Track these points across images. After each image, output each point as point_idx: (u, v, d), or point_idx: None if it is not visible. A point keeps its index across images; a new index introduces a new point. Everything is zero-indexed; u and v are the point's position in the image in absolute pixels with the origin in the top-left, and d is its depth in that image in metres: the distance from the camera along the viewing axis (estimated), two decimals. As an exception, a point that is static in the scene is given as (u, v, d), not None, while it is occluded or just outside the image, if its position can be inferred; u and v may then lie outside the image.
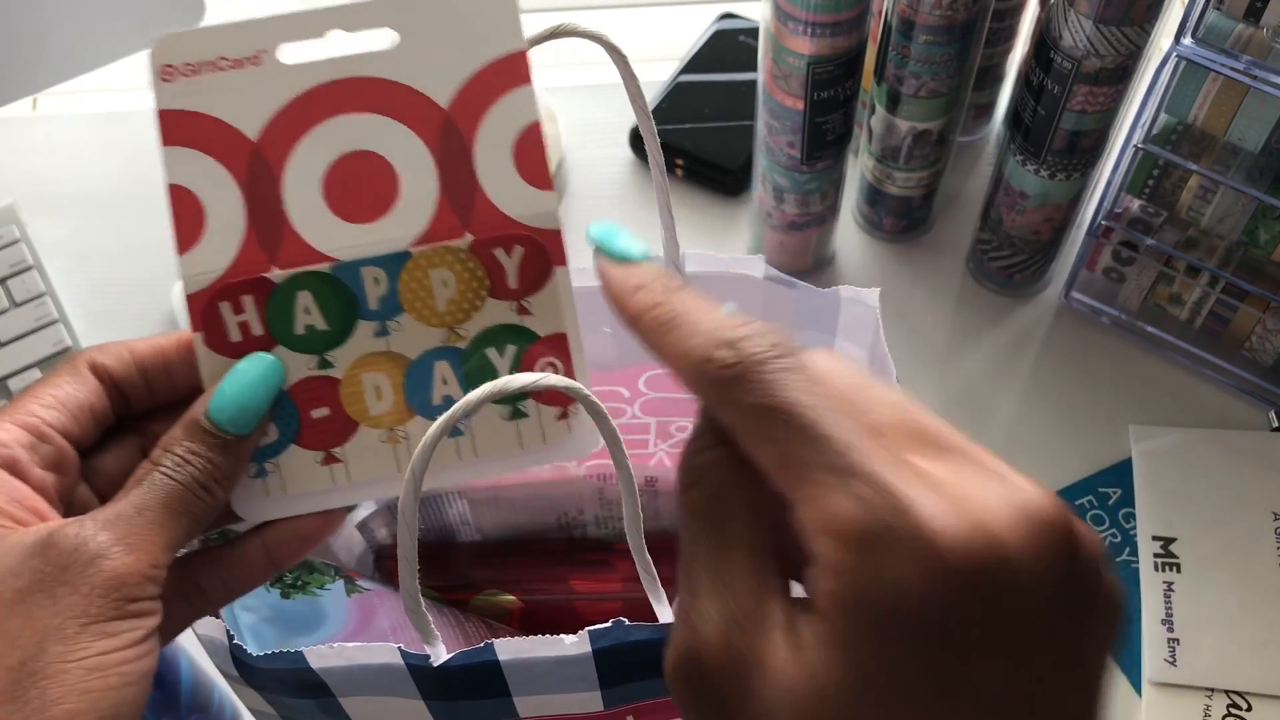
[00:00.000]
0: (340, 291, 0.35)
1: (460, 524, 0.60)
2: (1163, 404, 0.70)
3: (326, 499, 0.35)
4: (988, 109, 0.81)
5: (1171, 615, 0.62)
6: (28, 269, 0.74)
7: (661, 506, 0.57)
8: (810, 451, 0.24)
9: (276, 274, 0.35)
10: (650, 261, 0.32)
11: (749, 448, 0.26)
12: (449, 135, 0.35)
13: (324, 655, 0.37)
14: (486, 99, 0.35)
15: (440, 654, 0.37)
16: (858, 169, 0.76)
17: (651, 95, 0.82)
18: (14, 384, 0.71)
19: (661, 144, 0.41)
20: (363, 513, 0.59)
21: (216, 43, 0.35)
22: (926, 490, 0.23)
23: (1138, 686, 0.60)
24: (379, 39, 0.34)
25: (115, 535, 0.30)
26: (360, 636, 0.49)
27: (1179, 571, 0.63)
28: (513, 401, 0.35)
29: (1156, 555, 0.64)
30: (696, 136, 0.79)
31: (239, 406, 0.33)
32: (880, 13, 0.65)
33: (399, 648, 0.37)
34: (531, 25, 0.36)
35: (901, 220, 0.76)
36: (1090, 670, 0.24)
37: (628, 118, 0.82)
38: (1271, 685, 0.59)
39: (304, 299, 0.35)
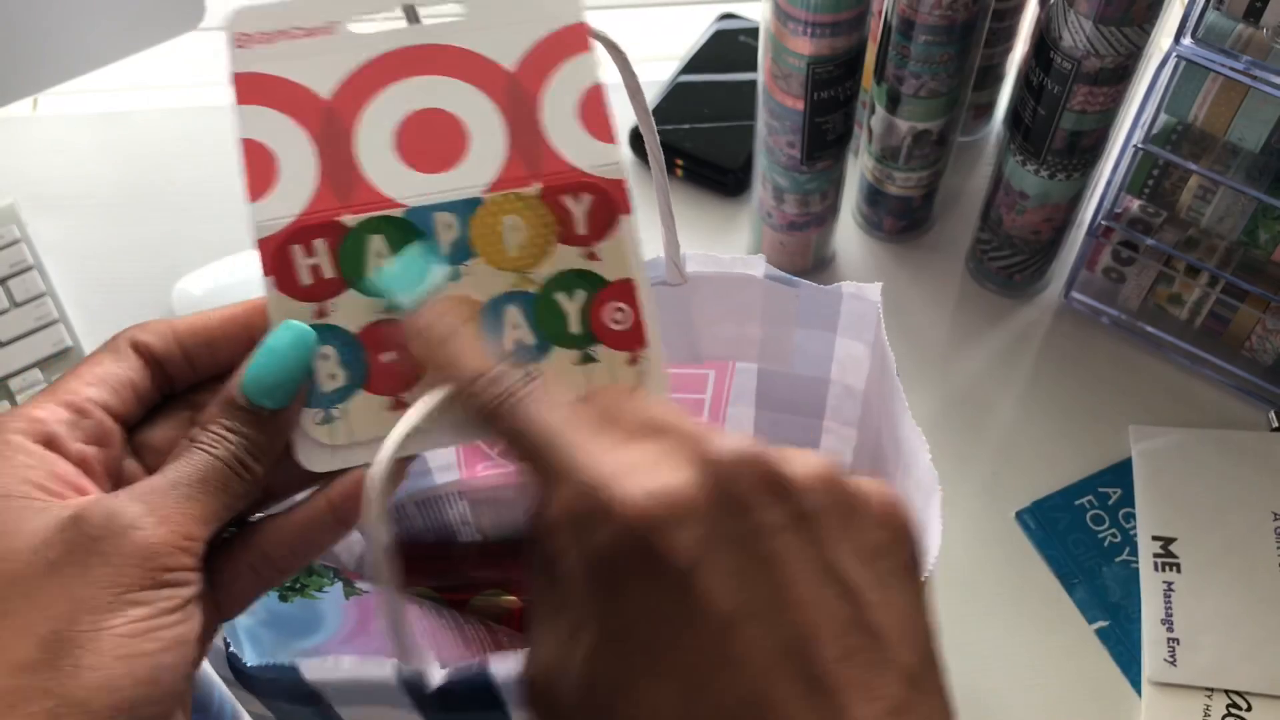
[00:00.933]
0: (413, 236, 0.36)
1: (460, 524, 0.60)
2: (1163, 404, 0.70)
3: (394, 448, 0.33)
4: (988, 109, 0.81)
5: (1171, 615, 0.62)
6: (28, 269, 0.74)
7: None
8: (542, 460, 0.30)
9: (349, 218, 0.35)
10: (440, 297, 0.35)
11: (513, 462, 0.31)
12: (515, 94, 0.37)
13: (319, 668, 0.37)
14: (550, 63, 0.37)
15: (434, 677, 0.37)
16: (858, 169, 0.76)
17: (651, 95, 0.82)
18: (14, 384, 0.71)
19: (661, 144, 0.41)
20: (363, 512, 0.59)
21: (291, 15, 0.36)
22: (618, 472, 0.28)
23: (1137, 686, 0.60)
24: (446, 13, 0.37)
25: (147, 508, 0.31)
26: (358, 640, 0.49)
27: (1179, 571, 0.63)
28: (583, 347, 0.36)
29: (1156, 555, 0.64)
30: (696, 136, 0.79)
31: (273, 380, 0.33)
32: (880, 13, 0.65)
33: (395, 664, 0.37)
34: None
35: (901, 220, 0.76)
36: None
37: (627, 117, 0.82)
38: (1271, 685, 0.59)
39: (376, 242, 0.35)
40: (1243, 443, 0.68)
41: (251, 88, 0.36)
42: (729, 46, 0.84)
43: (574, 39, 0.37)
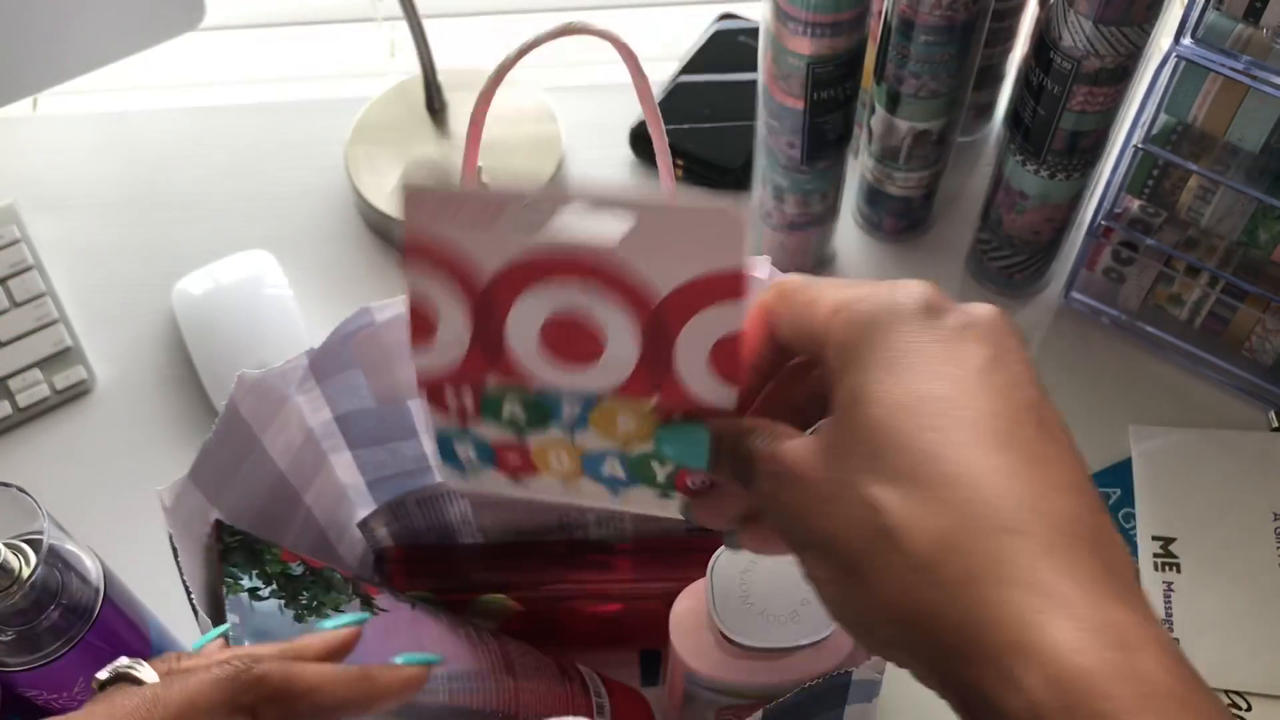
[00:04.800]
0: (541, 406, 0.41)
1: (461, 524, 0.60)
2: (1163, 404, 0.70)
3: (510, 491, 0.43)
4: (988, 109, 0.81)
5: (1171, 615, 0.62)
6: (28, 269, 0.74)
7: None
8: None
9: (491, 382, 0.40)
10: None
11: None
12: (657, 323, 0.39)
13: None
14: (699, 304, 0.38)
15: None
16: (858, 169, 0.76)
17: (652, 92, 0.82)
18: (14, 384, 0.71)
19: (662, 144, 0.41)
20: (362, 512, 0.59)
21: (466, 203, 0.38)
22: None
23: (1138, 686, 0.60)
24: (615, 224, 0.37)
25: None
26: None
27: (1179, 571, 0.63)
28: (664, 490, 0.42)
29: (1156, 555, 0.64)
30: (696, 136, 0.79)
31: None
32: (880, 13, 0.65)
33: None
34: (538, 24, 0.36)
35: (901, 220, 0.76)
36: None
37: (628, 118, 0.82)
38: (1271, 685, 0.59)
39: (511, 403, 0.41)
40: (1243, 443, 0.68)
41: (423, 250, 0.38)
42: (729, 46, 0.84)
43: (729, 284, 0.37)
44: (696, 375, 0.39)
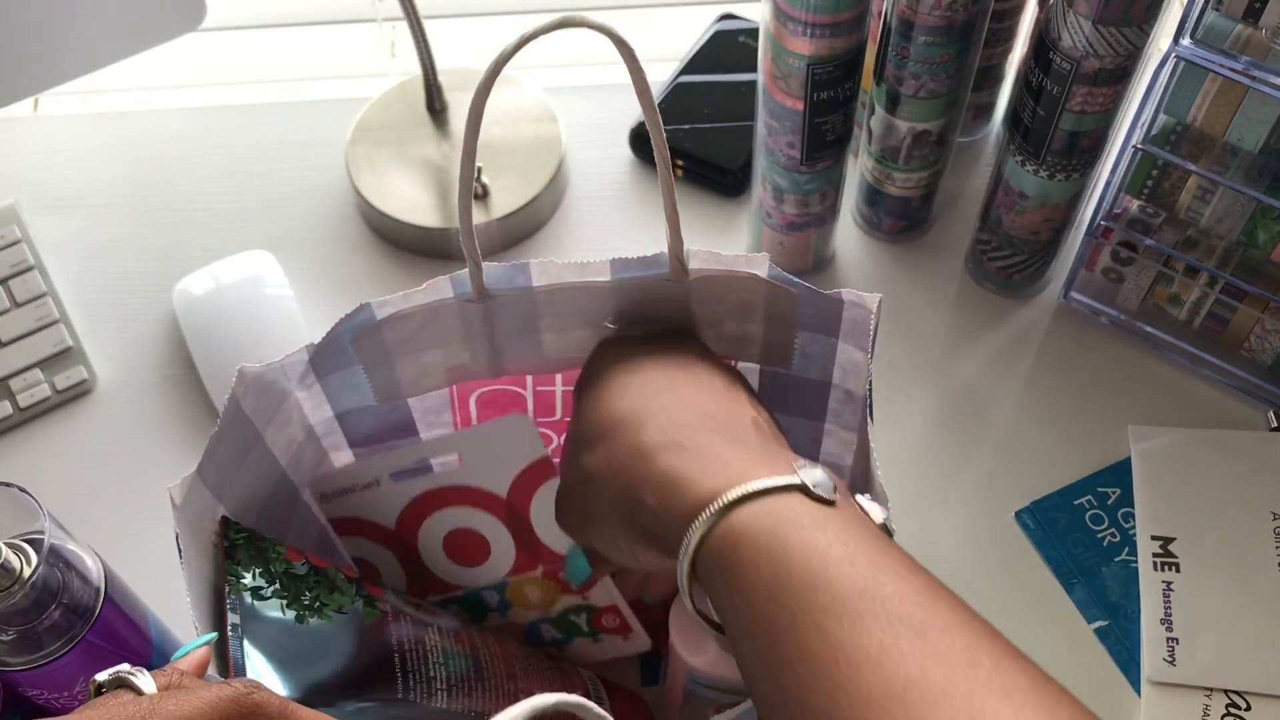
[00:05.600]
0: (473, 603, 0.58)
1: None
2: (1162, 404, 0.70)
3: None
4: (987, 109, 0.81)
5: (1170, 615, 0.62)
6: (29, 269, 0.75)
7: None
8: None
9: (433, 599, 0.57)
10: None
11: None
12: (512, 512, 0.55)
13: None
14: (531, 487, 0.54)
15: None
16: (857, 169, 0.76)
17: (651, 91, 0.82)
18: (14, 384, 0.71)
19: (662, 144, 0.41)
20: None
21: (344, 479, 0.54)
22: None
23: (1136, 686, 0.61)
24: (452, 460, 0.54)
25: None
26: (370, 673, 0.49)
27: (1178, 571, 0.63)
28: (593, 637, 0.58)
29: (1155, 555, 0.64)
30: (696, 137, 0.79)
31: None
32: (880, 13, 0.65)
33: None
34: (533, 22, 0.36)
35: (901, 221, 0.76)
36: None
37: (628, 118, 0.82)
38: (1270, 684, 0.59)
39: (454, 607, 0.57)
40: (1242, 443, 0.68)
41: (345, 526, 0.55)
42: (729, 47, 0.84)
43: (544, 468, 0.53)
44: (555, 536, 0.54)
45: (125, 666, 0.37)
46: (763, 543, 0.37)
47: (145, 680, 0.37)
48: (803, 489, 0.39)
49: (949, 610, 0.36)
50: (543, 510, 0.54)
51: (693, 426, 0.43)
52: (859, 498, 0.41)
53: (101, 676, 0.37)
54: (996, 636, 0.36)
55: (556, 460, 0.53)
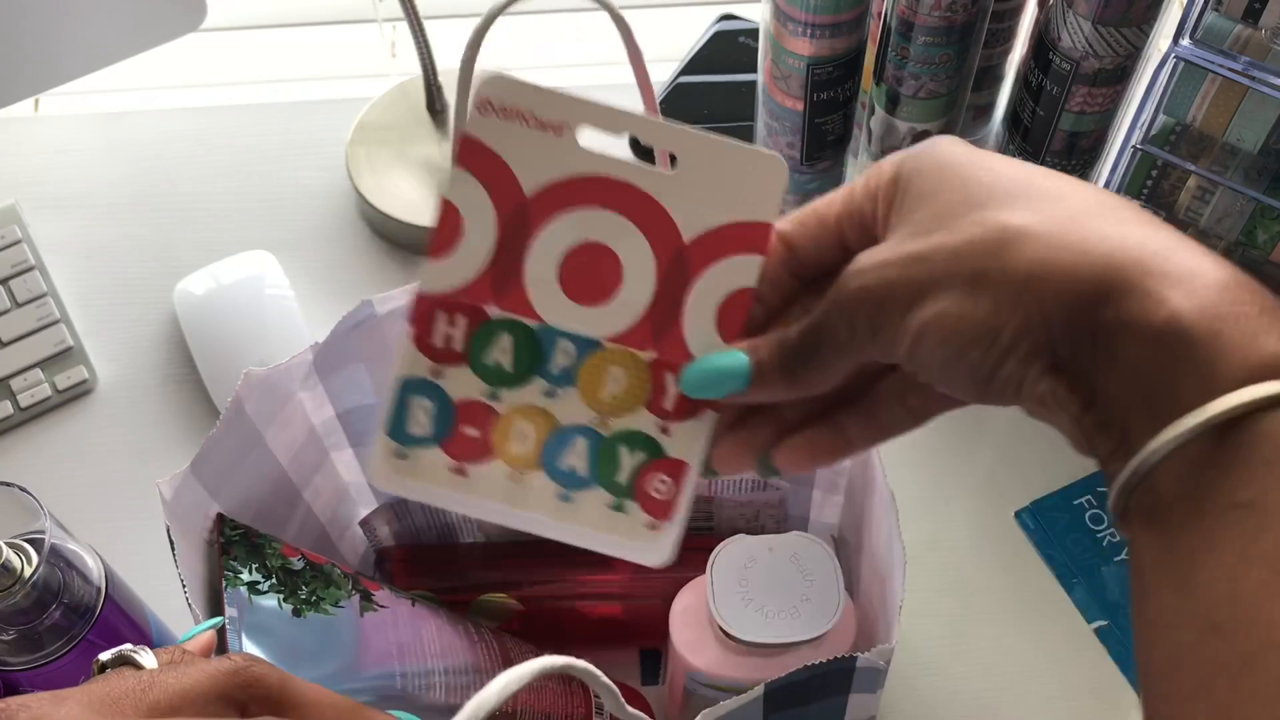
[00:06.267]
0: (534, 347, 0.40)
1: (462, 523, 0.60)
2: (1161, 404, 0.70)
3: (442, 498, 0.40)
4: (987, 110, 0.81)
5: (1170, 614, 0.62)
6: (29, 269, 0.75)
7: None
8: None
9: (494, 311, 0.40)
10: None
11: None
12: (678, 265, 0.39)
13: None
14: (721, 251, 0.39)
15: None
16: (857, 170, 0.76)
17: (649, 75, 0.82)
18: (15, 384, 0.71)
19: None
20: (363, 510, 0.59)
21: (534, 100, 0.39)
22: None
23: (1136, 685, 0.60)
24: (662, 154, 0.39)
25: None
26: (368, 667, 0.49)
27: (1178, 571, 0.63)
28: (621, 497, 0.41)
29: (1155, 554, 0.64)
30: (696, 137, 0.79)
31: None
32: (880, 14, 0.65)
33: None
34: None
35: (901, 221, 0.76)
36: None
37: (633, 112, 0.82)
38: (1270, 684, 0.59)
39: (504, 340, 0.40)
40: (1241, 442, 0.68)
41: (473, 154, 0.39)
42: (729, 47, 0.84)
43: (756, 236, 0.38)
44: (700, 332, 0.39)
45: (128, 646, 0.38)
46: None
47: (147, 657, 0.37)
48: None
49: None
50: (711, 289, 0.39)
51: (1187, 242, 0.33)
52: None
53: (105, 656, 0.37)
54: None
55: (765, 254, 0.39)
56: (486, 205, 0.39)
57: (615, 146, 0.39)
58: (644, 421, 0.40)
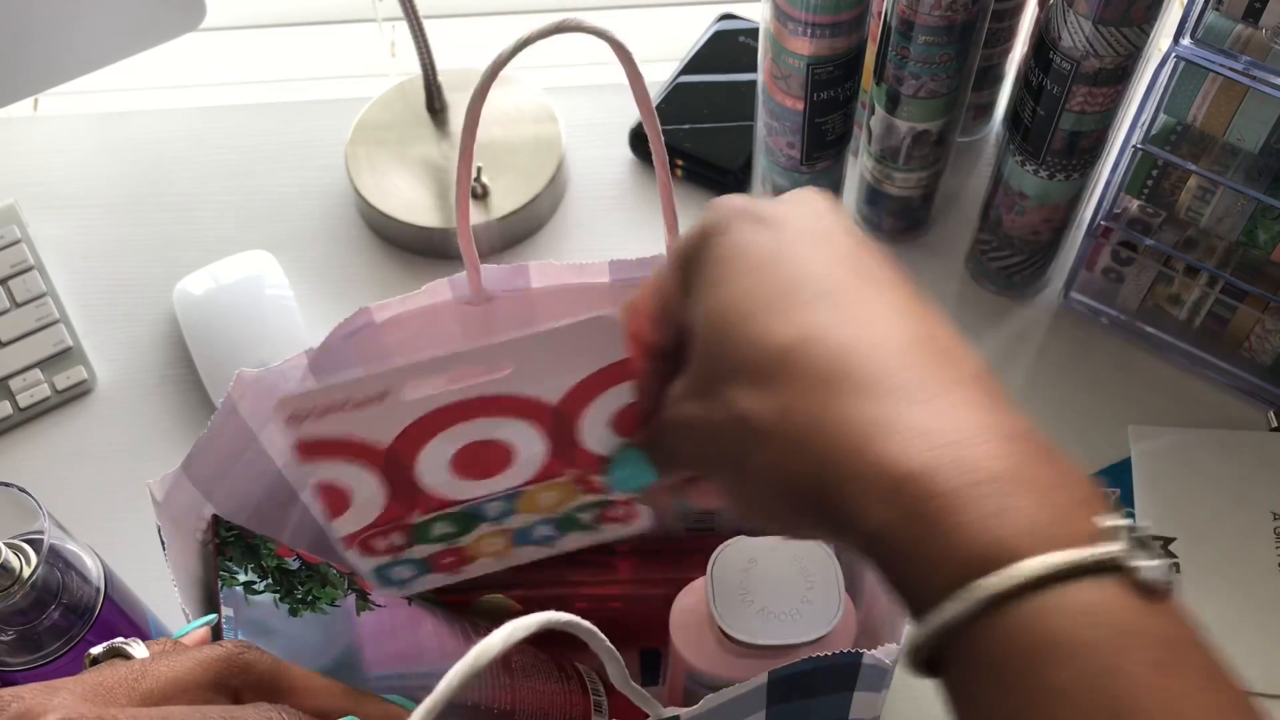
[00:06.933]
0: (466, 518, 0.45)
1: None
2: (1162, 404, 0.70)
3: (448, 580, 0.49)
4: (987, 109, 0.81)
5: (1171, 614, 0.62)
6: (29, 269, 0.75)
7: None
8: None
9: (416, 517, 0.44)
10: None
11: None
12: (558, 419, 0.42)
13: None
14: (593, 393, 0.42)
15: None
16: (857, 169, 0.76)
17: (651, 96, 0.82)
18: (14, 384, 0.71)
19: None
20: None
21: (339, 392, 0.39)
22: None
23: (1137, 686, 0.61)
24: (500, 362, 0.41)
25: None
26: (365, 666, 0.49)
27: (1178, 571, 0.63)
28: (591, 527, 0.47)
29: (1156, 555, 0.64)
30: (696, 137, 0.79)
31: None
32: (880, 13, 0.65)
33: None
34: (533, 23, 0.36)
35: (901, 221, 0.76)
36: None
37: (628, 118, 0.82)
38: (1271, 685, 0.59)
39: (438, 524, 0.45)
40: (1242, 443, 0.68)
41: (314, 450, 0.40)
42: (729, 47, 0.84)
43: (614, 371, 0.41)
44: (604, 441, 0.43)
45: (119, 639, 0.38)
46: (1092, 669, 0.27)
47: (138, 648, 0.37)
48: (1132, 570, 0.28)
49: None
50: (599, 415, 0.43)
51: (919, 387, 0.31)
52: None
53: (96, 650, 0.37)
54: None
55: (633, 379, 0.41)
56: (356, 468, 0.41)
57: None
58: (586, 499, 0.46)
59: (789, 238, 0.35)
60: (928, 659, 0.30)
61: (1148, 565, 0.28)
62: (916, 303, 0.35)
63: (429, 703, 0.31)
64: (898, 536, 0.29)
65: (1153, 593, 0.28)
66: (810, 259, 0.34)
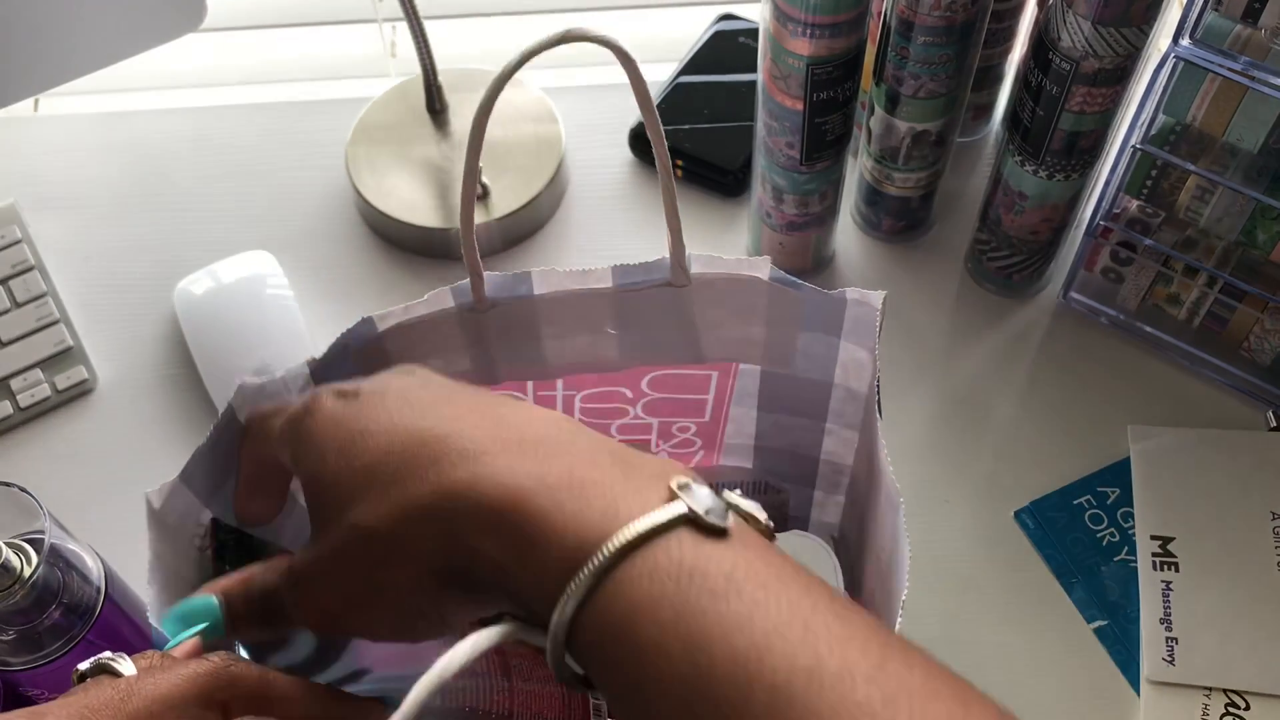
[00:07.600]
0: None
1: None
2: (1161, 404, 0.70)
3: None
4: (986, 109, 0.81)
5: (1170, 614, 0.62)
6: (29, 269, 0.75)
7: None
8: None
9: None
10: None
11: None
12: None
13: None
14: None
15: None
16: (857, 169, 0.76)
17: (651, 96, 0.82)
18: (15, 384, 0.71)
19: (662, 145, 0.41)
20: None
21: None
22: None
23: (1136, 685, 0.61)
24: None
25: None
26: (364, 669, 0.49)
27: (1177, 571, 0.63)
28: None
29: (1155, 554, 0.64)
30: (696, 137, 0.79)
31: None
32: (879, 14, 0.65)
33: None
34: (540, 25, 0.36)
35: (900, 221, 0.76)
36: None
37: (628, 118, 0.82)
38: (1270, 684, 0.59)
39: None
40: (1241, 443, 0.68)
41: None
42: (729, 47, 0.84)
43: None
44: None
45: (106, 654, 0.38)
46: (667, 618, 0.30)
47: (125, 664, 0.37)
48: (692, 520, 0.32)
49: (901, 669, 0.30)
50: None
51: (512, 440, 0.35)
52: (730, 494, 0.34)
53: (83, 665, 0.37)
54: (958, 683, 0.33)
55: None
56: None
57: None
58: None
59: (373, 401, 0.39)
60: (572, 674, 0.33)
61: (704, 509, 0.32)
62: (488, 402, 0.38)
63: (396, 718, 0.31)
64: (510, 552, 0.33)
65: (713, 532, 0.31)
66: (389, 415, 0.38)
